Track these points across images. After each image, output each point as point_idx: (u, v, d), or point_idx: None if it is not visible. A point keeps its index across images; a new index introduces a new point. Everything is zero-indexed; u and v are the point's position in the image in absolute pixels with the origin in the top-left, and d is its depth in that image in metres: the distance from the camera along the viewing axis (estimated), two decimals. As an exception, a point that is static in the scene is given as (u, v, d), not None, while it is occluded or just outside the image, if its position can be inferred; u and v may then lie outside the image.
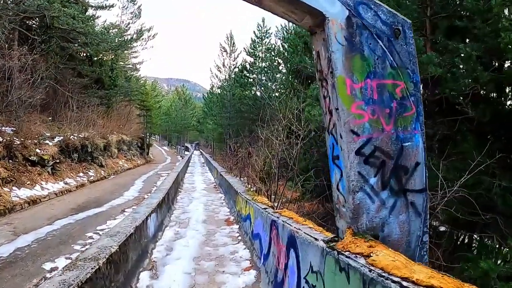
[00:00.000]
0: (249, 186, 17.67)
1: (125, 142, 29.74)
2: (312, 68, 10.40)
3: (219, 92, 35.70)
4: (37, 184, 14.32)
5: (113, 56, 31.43)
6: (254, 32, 31.45)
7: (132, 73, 41.27)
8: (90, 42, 23.32)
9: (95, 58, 29.02)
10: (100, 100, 27.68)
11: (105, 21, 26.28)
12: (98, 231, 8.61)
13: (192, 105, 59.96)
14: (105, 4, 26.31)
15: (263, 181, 11.09)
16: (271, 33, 31.33)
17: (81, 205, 12.06)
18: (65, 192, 15.00)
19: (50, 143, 17.16)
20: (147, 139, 40.95)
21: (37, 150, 15.74)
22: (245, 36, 34.05)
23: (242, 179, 19.47)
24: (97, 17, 26.46)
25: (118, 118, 33.15)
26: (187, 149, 68.11)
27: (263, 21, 31.56)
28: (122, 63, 39.62)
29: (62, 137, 17.99)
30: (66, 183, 15.99)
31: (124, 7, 31.33)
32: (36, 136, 16.98)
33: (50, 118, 21.17)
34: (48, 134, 18.09)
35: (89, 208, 11.49)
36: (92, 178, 18.70)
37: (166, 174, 17.33)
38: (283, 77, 21.59)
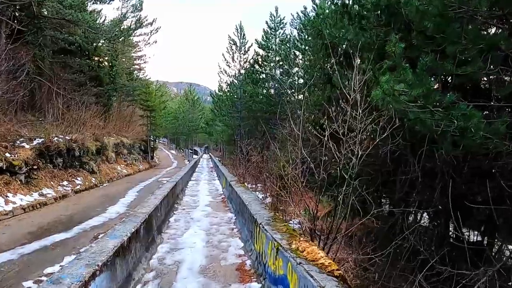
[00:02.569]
0: (267, 193, 14.57)
1: (125, 145, 26.88)
2: (358, 38, 7.33)
3: (228, 89, 32.61)
4: (0, 197, 11.46)
5: (112, 52, 28.69)
6: (267, 22, 28.37)
7: (137, 74, 38.65)
8: (84, 33, 20.61)
9: (96, 58, 26.37)
10: (97, 99, 24.89)
11: (100, 10, 23.32)
12: (42, 277, 5.69)
13: (200, 106, 56.94)
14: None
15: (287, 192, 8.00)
16: (285, 23, 28.21)
17: (44, 227, 9.13)
18: (38, 206, 12.12)
19: (27, 146, 14.32)
20: (152, 142, 38.14)
21: (7, 155, 12.90)
22: (256, 32, 30.92)
23: (256, 185, 16.44)
24: (95, 11, 23.69)
25: (118, 119, 30.40)
26: (195, 152, 65.27)
27: (276, 10, 28.49)
28: (127, 63, 37.08)
29: (42, 139, 15.12)
30: (41, 195, 13.11)
31: (124, -1, 28.48)
32: (10, 138, 14.19)
33: (41, 119, 18.34)
34: (29, 135, 15.27)
35: (52, 232, 8.56)
36: (78, 187, 15.80)
37: (167, 181, 14.21)
38: (303, 69, 18.53)
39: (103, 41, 25.99)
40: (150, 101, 33.54)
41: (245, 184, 13.84)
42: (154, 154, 40.40)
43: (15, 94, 16.62)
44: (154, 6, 29.55)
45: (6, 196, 11.74)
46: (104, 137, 22.41)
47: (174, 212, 10.40)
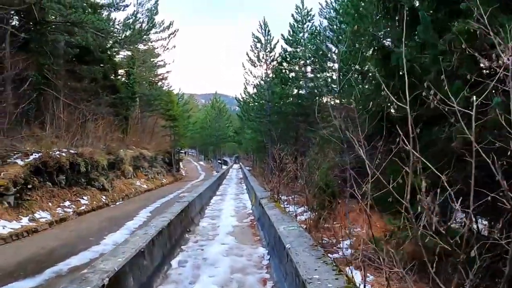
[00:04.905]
0: (305, 206, 11.85)
1: (145, 157, 24.83)
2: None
3: (255, 91, 30.04)
4: (-24, 226, 9.36)
5: (129, 60, 26.97)
6: (293, 15, 25.71)
7: (161, 84, 37.00)
8: (94, 39, 18.67)
9: (112, 66, 24.59)
10: (114, 109, 22.94)
11: (109, 13, 21.35)
12: None
13: (227, 115, 54.63)
14: (117, 2, 21.52)
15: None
16: (313, 15, 25.42)
17: (9, 270, 6.87)
18: (24, 235, 9.92)
19: (21, 162, 12.26)
20: (178, 154, 36.12)
21: (-9, 174, 10.85)
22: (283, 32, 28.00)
23: (294, 198, 13.79)
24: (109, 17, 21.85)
25: (138, 130, 28.51)
26: (225, 163, 63.03)
27: (302, 1, 25.78)
28: (149, 73, 35.55)
29: (40, 154, 13.06)
30: (33, 219, 10.92)
31: (139, 4, 26.52)
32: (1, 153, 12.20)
33: (43, 132, 16.37)
34: (27, 150, 13.26)
35: (15, 278, 6.35)
36: (83, 207, 13.63)
37: (177, 202, 11.04)
38: (340, 57, 15.74)
39: (117, 48, 24.26)
40: (172, 110, 31.54)
41: (280, 202, 10.97)
42: (181, 166, 38.43)
43: (18, 105, 14.90)
44: (177, 21, 27.52)
45: (-16, 224, 9.64)
46: (121, 150, 20.37)
47: (183, 246, 7.41)
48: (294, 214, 10.79)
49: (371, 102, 7.28)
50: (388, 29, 8.76)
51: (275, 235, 5.71)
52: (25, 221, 10.70)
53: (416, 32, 7.54)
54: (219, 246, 7.53)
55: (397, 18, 7.04)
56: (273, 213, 7.17)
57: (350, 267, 8.09)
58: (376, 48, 10.29)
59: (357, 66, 14.58)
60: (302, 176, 11.60)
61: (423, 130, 6.72)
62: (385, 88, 4.16)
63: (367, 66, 14.92)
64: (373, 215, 10.12)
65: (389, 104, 10.12)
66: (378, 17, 10.82)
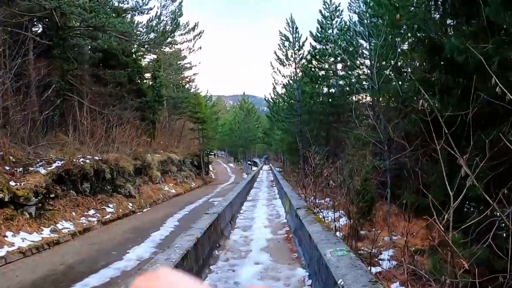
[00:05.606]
0: (340, 210, 10.79)
1: (173, 161, 24.31)
2: None
3: (285, 91, 29.06)
4: (-6, 239, 8.85)
5: (154, 63, 26.67)
6: (320, 11, 24.62)
7: (189, 86, 36.74)
8: (118, 43, 18.29)
9: (138, 70, 24.30)
10: (141, 113, 22.56)
11: (132, 17, 20.97)
12: None
13: (255, 116, 53.76)
14: (140, 5, 21.13)
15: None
16: (342, 10, 24.22)
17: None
18: (45, 247, 9.41)
19: (43, 171, 11.81)
20: (207, 157, 35.60)
21: (11, 183, 10.39)
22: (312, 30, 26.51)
23: (335, 203, 12.98)
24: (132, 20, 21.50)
25: (165, 134, 28.13)
26: (255, 164, 62.12)
27: (330, -4, 24.60)
28: (175, 76, 35.30)
29: (63, 162, 12.61)
30: (54, 230, 10.41)
31: (162, 6, 26.06)
32: (23, 162, 11.79)
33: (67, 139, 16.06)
34: (49, 158, 12.87)
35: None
36: (108, 216, 13.09)
37: (205, 213, 9.61)
38: (373, 50, 14.60)
39: (142, 51, 23.94)
40: (200, 113, 30.99)
41: (314, 208, 9.97)
42: (210, 169, 37.93)
43: (42, 111, 14.63)
44: (203, 22, 27.00)
45: (4, 236, 9.13)
46: (148, 155, 19.88)
47: (212, 266, 6.56)
48: (332, 220, 9.87)
49: (420, 101, 6.38)
50: (437, 18, 7.73)
51: (319, 260, 4.64)
52: (46, 232, 10.20)
53: (465, 21, 6.57)
54: (253, 266, 6.48)
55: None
56: (314, 230, 5.98)
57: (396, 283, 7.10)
58: (419, 39, 9.25)
59: (391, 61, 13.51)
60: (341, 183, 10.60)
61: (475, 129, 5.84)
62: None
63: (401, 61, 13.74)
64: (414, 222, 8.97)
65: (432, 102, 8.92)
66: (413, 6, 9.78)
